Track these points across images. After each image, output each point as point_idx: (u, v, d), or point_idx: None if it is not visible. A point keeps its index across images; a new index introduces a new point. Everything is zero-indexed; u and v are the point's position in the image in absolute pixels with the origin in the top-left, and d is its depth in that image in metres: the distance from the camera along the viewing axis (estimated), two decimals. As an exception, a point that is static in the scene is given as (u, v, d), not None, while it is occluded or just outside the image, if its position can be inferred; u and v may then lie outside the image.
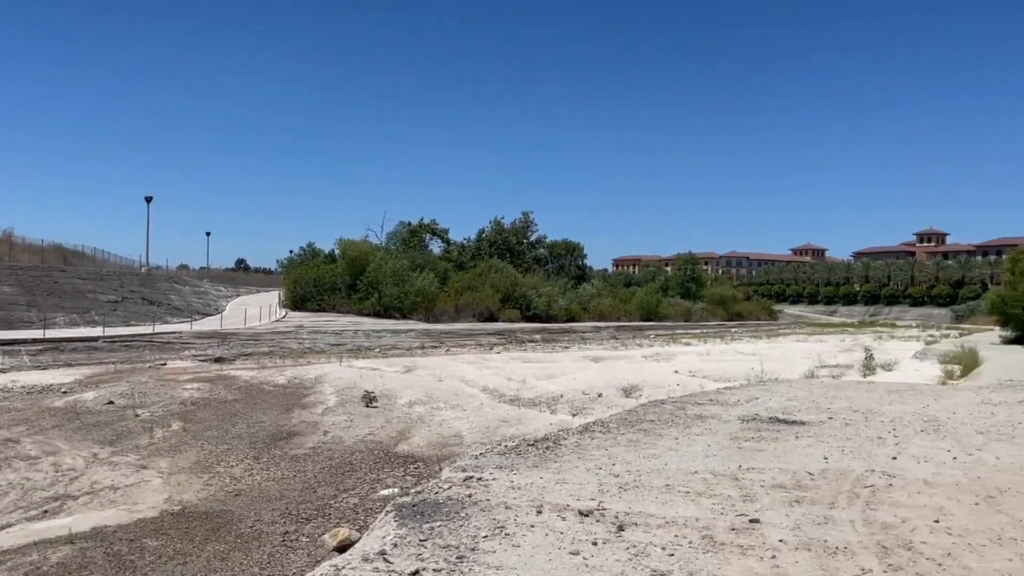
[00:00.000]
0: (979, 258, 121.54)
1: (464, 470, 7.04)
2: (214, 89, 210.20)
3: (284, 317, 46.66)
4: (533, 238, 77.81)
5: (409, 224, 72.24)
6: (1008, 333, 40.24)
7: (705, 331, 60.13)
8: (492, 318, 53.73)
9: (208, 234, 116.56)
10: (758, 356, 30.87)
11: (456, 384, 21.32)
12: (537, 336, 46.88)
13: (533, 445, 8.24)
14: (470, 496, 6.02)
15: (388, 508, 5.88)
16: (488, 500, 5.89)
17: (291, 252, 70.82)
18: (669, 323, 67.52)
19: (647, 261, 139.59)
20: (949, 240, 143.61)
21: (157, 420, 15.52)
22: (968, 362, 23.16)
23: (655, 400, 13.41)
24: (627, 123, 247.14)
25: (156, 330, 34.07)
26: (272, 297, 57.69)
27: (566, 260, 79.93)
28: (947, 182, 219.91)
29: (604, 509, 5.57)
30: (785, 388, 14.65)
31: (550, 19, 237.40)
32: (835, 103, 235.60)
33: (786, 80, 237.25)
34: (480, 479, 6.62)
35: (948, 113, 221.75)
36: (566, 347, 40.31)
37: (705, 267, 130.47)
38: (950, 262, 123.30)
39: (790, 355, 34.09)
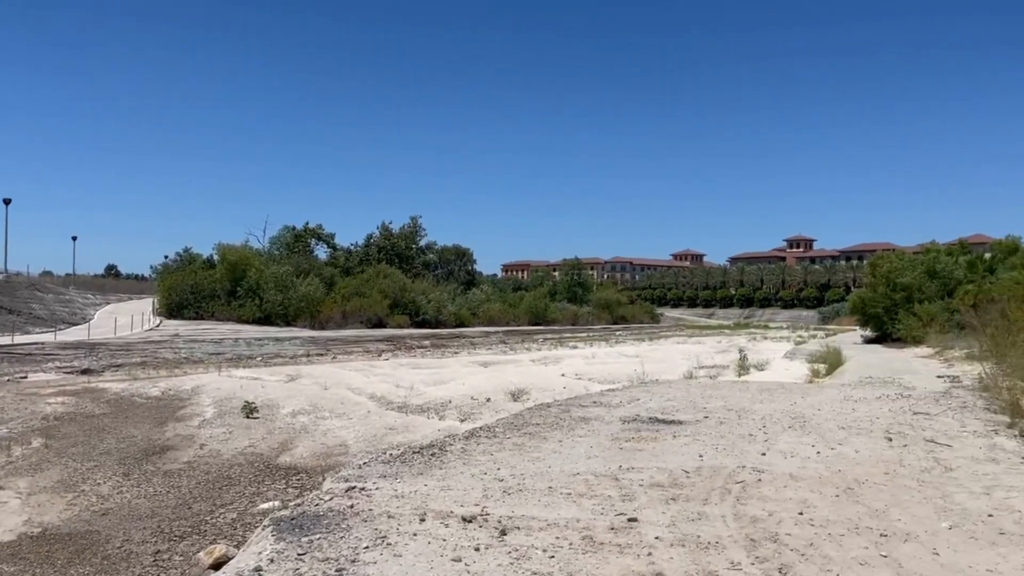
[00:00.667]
0: (843, 262, 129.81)
1: (347, 480, 6.90)
2: (81, 83, 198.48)
3: (159, 326, 44.47)
4: (422, 243, 77.40)
5: (293, 228, 70.41)
6: (869, 333, 43.12)
7: (591, 334, 61.47)
8: (381, 324, 53.04)
9: (74, 238, 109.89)
10: (640, 358, 31.79)
11: (342, 392, 20.89)
12: (427, 342, 46.60)
13: (418, 452, 8.17)
14: (352, 507, 5.90)
15: (265, 522, 5.69)
16: (370, 510, 5.79)
17: (166, 257, 67.73)
18: (557, 327, 68.67)
19: (536, 266, 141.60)
20: (816, 246, 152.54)
21: (15, 437, 14.44)
22: (833, 361, 24.66)
23: (541, 404, 13.57)
24: (516, 128, 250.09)
25: (15, 341, 31.75)
26: (145, 305, 54.84)
27: (456, 265, 79.97)
28: (814, 191, 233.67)
29: (487, 514, 5.59)
30: (665, 389, 15.14)
31: (434, 17, 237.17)
32: (709, 115, 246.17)
33: (667, 91, 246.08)
34: (363, 489, 6.50)
35: (814, 125, 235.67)
36: (456, 352, 40.27)
37: (591, 272, 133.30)
38: (817, 266, 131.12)
39: (670, 357, 35.31)
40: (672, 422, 10.16)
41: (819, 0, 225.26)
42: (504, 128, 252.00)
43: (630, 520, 5.41)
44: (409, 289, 58.60)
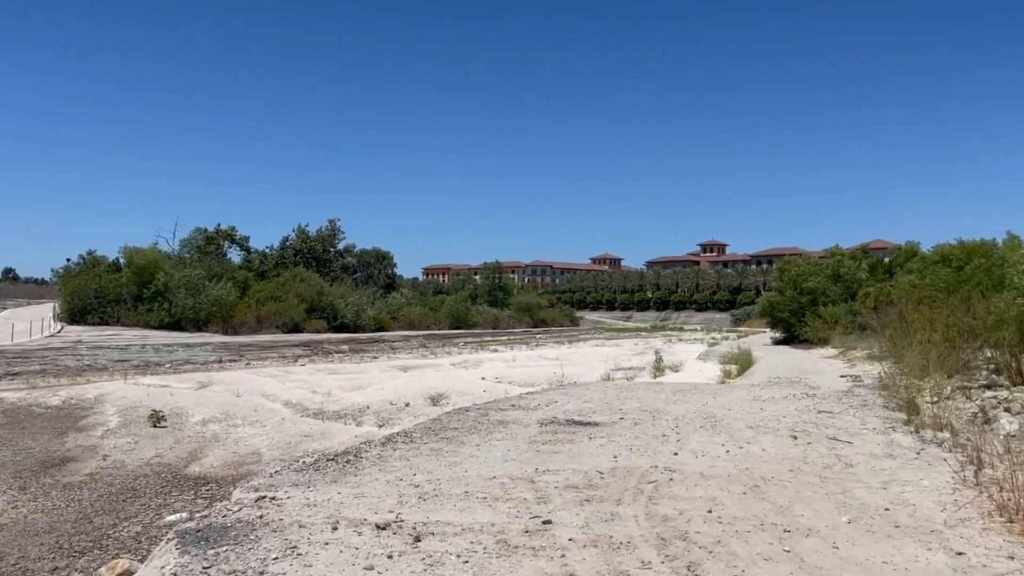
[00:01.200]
0: (754, 267, 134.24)
1: (257, 490, 6.71)
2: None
3: (60, 331, 42.36)
4: (341, 246, 76.23)
5: (205, 231, 68.19)
6: (778, 334, 44.65)
7: (512, 338, 61.76)
8: (297, 329, 51.91)
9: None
10: (560, 361, 32.12)
11: (256, 399, 20.35)
12: (345, 346, 45.89)
13: (333, 460, 8.02)
14: (261, 517, 5.74)
15: (170, 535, 5.47)
16: (281, 520, 5.65)
17: (68, 260, 64.32)
18: (478, 330, 68.68)
19: (457, 269, 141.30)
20: (729, 250, 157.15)
21: None
22: (744, 362, 25.42)
23: (460, 408, 13.53)
24: (436, 130, 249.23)
25: (-102, 349, 29.71)
26: (46, 310, 52.16)
27: (375, 269, 79.04)
28: (727, 197, 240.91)
29: (402, 521, 5.52)
30: (583, 391, 15.32)
31: (342, 11, 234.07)
32: (625, 121, 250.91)
33: (582, 96, 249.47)
34: (274, 498, 6.34)
35: (726, 134, 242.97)
36: (375, 357, 39.81)
37: (512, 275, 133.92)
38: (729, 270, 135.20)
39: (589, 359, 35.78)
40: (588, 424, 10.28)
41: (720, 5, 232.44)
42: (423, 130, 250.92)
43: (545, 522, 5.44)
44: (327, 293, 57.58)
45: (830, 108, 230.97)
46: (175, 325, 46.97)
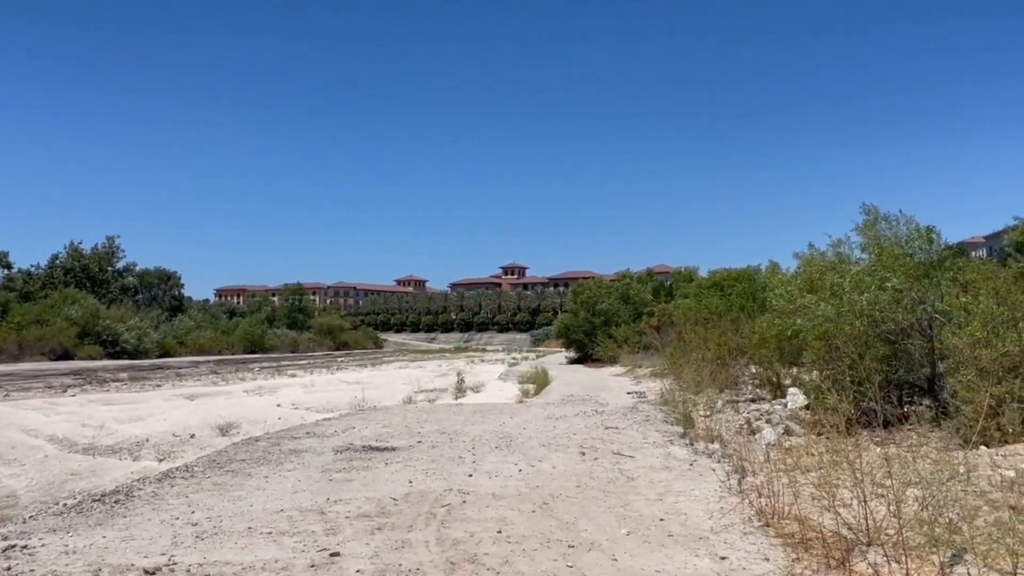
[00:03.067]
0: (552, 289, 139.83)
1: (5, 539, 5.98)
2: None
3: None
4: (120, 266, 70.23)
5: (-47, 247, 60.37)
6: (572, 354, 46.71)
7: (312, 361, 59.79)
8: (68, 356, 47.11)
9: None
10: (361, 384, 31.51)
11: (14, 435, 18.13)
12: (124, 374, 42.18)
13: (99, 500, 7.33)
14: (9, 569, 5.11)
15: None
16: (32, 571, 5.06)
17: None
18: (276, 355, 65.85)
19: (253, 291, 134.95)
20: (529, 273, 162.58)
21: None
22: (540, 381, 26.30)
23: (250, 437, 12.87)
24: (231, 149, 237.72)
25: None
26: None
27: (160, 290, 73.65)
28: (527, 221, 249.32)
29: (175, 564, 5.12)
30: (382, 415, 15.13)
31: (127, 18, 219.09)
32: (427, 145, 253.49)
33: (388, 121, 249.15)
34: (25, 547, 5.67)
35: (526, 160, 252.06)
36: (158, 385, 36.89)
37: (313, 297, 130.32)
38: (529, 292, 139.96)
39: (392, 382, 35.41)
40: (386, 449, 10.14)
41: (523, 33, 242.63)
42: (218, 148, 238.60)
43: (332, 555, 5.27)
44: (104, 316, 52.80)
45: (618, 141, 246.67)
46: (-86, 354, 41.09)
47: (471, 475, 8.18)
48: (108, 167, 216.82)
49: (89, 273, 65.30)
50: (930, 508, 4.58)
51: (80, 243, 67.94)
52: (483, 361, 57.94)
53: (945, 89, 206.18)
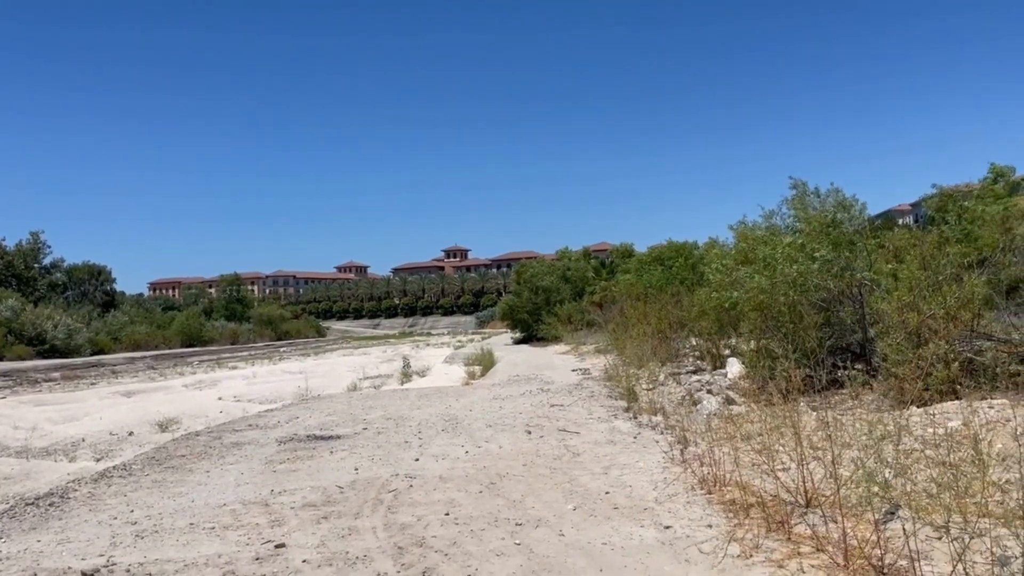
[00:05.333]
0: (495, 270, 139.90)
1: (-68, 549, 5.73)
2: None
3: None
4: (47, 262, 67.66)
5: None
6: (517, 334, 46.86)
7: (253, 353, 58.74)
8: (-5, 357, 45.32)
9: None
10: (305, 374, 31.10)
11: (-61, 442, 17.42)
12: (56, 374, 40.78)
13: (33, 504, 7.07)
14: (-65, 582, 4.90)
15: None
16: (-38, 582, 4.86)
17: None
18: (215, 347, 64.47)
19: (188, 283, 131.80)
20: (471, 255, 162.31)
21: None
22: (486, 363, 26.32)
23: (191, 432, 12.59)
24: (156, 136, 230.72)
25: None
26: None
27: (90, 286, 71.23)
28: (467, 205, 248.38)
29: (114, 565, 4.99)
30: (327, 404, 14.95)
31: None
32: (363, 129, 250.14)
33: (317, 105, 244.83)
34: (-46, 557, 5.44)
35: (464, 143, 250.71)
36: (93, 383, 35.81)
37: (251, 287, 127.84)
38: (472, 274, 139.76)
39: (336, 370, 35.03)
40: (331, 437, 10.03)
41: (457, 17, 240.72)
42: (147, 139, 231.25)
43: (277, 547, 5.19)
44: (31, 314, 50.87)
45: (555, 120, 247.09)
46: None
47: (418, 459, 8.16)
48: (28, 163, 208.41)
49: (14, 271, 62.74)
50: (864, 468, 4.73)
51: (3, 240, 65.21)
52: (428, 345, 57.78)
53: (876, 63, 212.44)
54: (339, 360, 44.75)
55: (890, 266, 10.43)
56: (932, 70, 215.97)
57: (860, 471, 4.70)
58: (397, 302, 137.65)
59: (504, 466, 7.58)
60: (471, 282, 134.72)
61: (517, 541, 5.11)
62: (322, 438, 10.00)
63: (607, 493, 6.30)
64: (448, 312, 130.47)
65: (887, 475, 4.98)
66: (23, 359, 46.58)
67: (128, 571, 4.85)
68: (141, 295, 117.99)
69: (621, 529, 5.31)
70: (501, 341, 47.45)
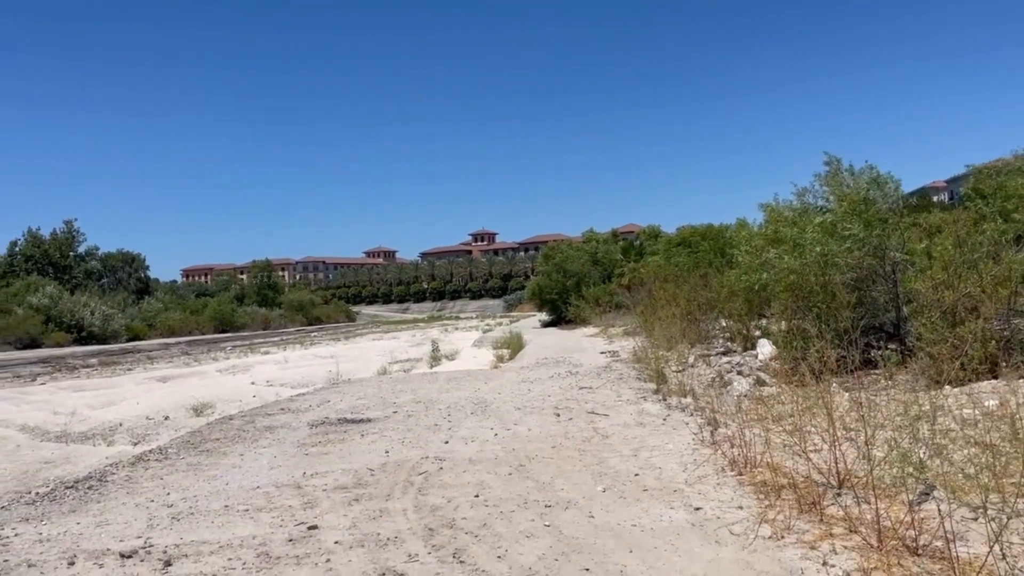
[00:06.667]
0: (522, 253, 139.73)
1: (-23, 531, 5.89)
2: None
3: None
4: (81, 250, 68.92)
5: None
6: (546, 317, 46.84)
7: (285, 338, 59.31)
8: (35, 344, 46.30)
9: None
10: (335, 358, 31.38)
11: (-17, 427, 17.87)
12: (93, 360, 41.54)
13: (73, 487, 7.24)
14: (-19, 561, 5.04)
15: None
16: (7, 561, 4.98)
17: None
18: (247, 333, 65.29)
19: (220, 270, 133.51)
20: (498, 239, 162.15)
21: None
22: (515, 346, 26.35)
23: (225, 416, 12.79)
24: (187, 125, 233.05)
25: None
26: None
27: (124, 273, 72.47)
28: (494, 188, 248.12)
29: (151, 546, 5.08)
30: (357, 387, 15.08)
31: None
32: (391, 115, 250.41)
33: (345, 93, 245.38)
34: (-3, 538, 5.59)
35: (489, 126, 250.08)
36: (129, 369, 36.37)
37: (282, 273, 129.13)
38: (500, 258, 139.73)
39: (366, 354, 35.28)
40: (361, 420, 10.12)
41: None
42: (178, 128, 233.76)
43: (310, 528, 5.26)
44: (68, 302, 51.87)
45: (582, 101, 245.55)
46: None
47: (447, 442, 8.20)
48: (62, 154, 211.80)
49: (51, 259, 64.02)
50: (899, 448, 4.67)
51: (38, 229, 66.50)
52: (457, 329, 57.90)
53: (911, 40, 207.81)
54: (369, 344, 45.07)
55: (924, 244, 10.23)
56: (970, 48, 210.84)
57: (894, 451, 4.63)
58: (425, 286, 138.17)
59: (533, 448, 7.60)
60: (499, 265, 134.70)
61: (547, 523, 5.13)
62: (353, 421, 10.10)
63: (636, 475, 6.29)
64: (476, 296, 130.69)
65: (922, 455, 4.91)
66: (61, 345, 47.59)
67: (165, 552, 4.94)
68: (174, 282, 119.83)
69: (651, 511, 5.30)
70: (529, 324, 47.46)
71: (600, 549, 4.60)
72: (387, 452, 7.82)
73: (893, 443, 4.80)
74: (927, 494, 4.84)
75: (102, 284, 67.26)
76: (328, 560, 4.58)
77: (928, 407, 5.66)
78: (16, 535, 5.62)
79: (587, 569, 4.29)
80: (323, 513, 5.64)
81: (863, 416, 5.14)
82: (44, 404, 22.29)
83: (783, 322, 12.11)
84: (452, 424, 9.34)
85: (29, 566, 4.83)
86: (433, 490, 6.14)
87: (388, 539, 4.93)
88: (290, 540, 5.03)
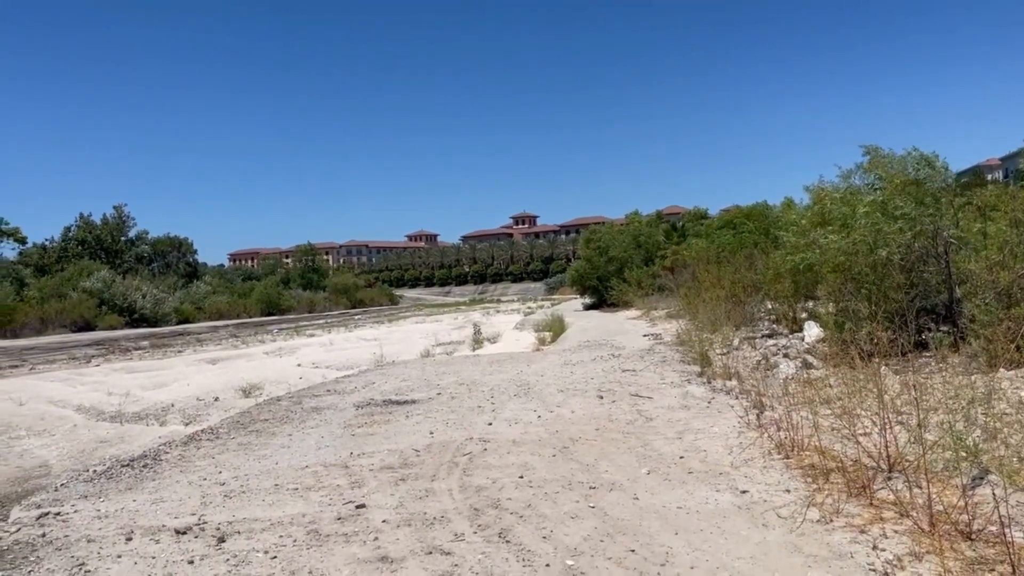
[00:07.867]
0: (563, 236, 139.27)
1: (39, 507, 6.12)
2: None
3: None
4: (132, 234, 70.53)
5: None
6: (587, 300, 46.67)
7: (329, 321, 60.15)
8: (90, 327, 47.65)
9: None
10: (379, 341, 31.70)
11: (42, 407, 18.44)
12: (145, 342, 42.63)
13: (128, 465, 7.47)
14: (44, 536, 5.23)
15: (-69, 571, 4.85)
16: (67, 536, 5.17)
17: None
18: (293, 316, 66.34)
19: (266, 254, 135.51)
20: (539, 222, 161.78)
21: None
22: (557, 329, 26.32)
23: (273, 397, 13.03)
24: (240, 111, 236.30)
25: None
26: None
27: (173, 257, 74.06)
28: (535, 171, 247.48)
29: (205, 523, 5.23)
30: (401, 369, 15.23)
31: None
32: (433, 99, 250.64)
33: (394, 76, 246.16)
34: (59, 514, 5.79)
35: (532, 110, 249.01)
36: (179, 351, 37.26)
37: (326, 257, 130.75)
38: (541, 241, 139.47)
39: (409, 337, 35.59)
40: (406, 402, 10.24)
41: None
42: (222, 113, 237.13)
43: (358, 507, 5.35)
44: (120, 286, 53.23)
45: (622, 84, 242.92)
46: (-62, 333, 41.70)
47: (491, 423, 8.25)
48: (111, 139, 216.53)
49: (103, 244, 65.66)
50: (952, 432, 4.57)
51: (90, 215, 68.21)
52: (498, 312, 58.02)
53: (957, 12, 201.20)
54: (412, 327, 45.43)
55: (978, 224, 9.94)
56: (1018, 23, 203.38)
57: (948, 435, 4.54)
58: (467, 269, 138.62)
59: (576, 430, 7.61)
60: (540, 248, 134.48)
61: (591, 504, 5.14)
62: (398, 403, 10.22)
63: (681, 458, 6.27)
64: (517, 279, 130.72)
65: (976, 439, 4.80)
66: (114, 328, 48.87)
67: (218, 529, 5.07)
68: (221, 266, 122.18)
69: (696, 493, 5.28)
70: (571, 307, 47.32)
71: (645, 531, 4.60)
72: (432, 433, 7.90)
73: (946, 426, 4.70)
74: (981, 478, 4.74)
75: (152, 268, 68.89)
76: (376, 538, 4.66)
77: (982, 390, 5.53)
78: (75, 512, 5.82)
79: (632, 550, 4.29)
80: (370, 492, 5.73)
81: (915, 399, 5.04)
82: (99, 385, 22.95)
83: (831, 304, 11.89)
84: (495, 406, 9.40)
85: (89, 541, 5.00)
86: (478, 471, 6.19)
87: (434, 518, 5.00)
88: (339, 518, 5.12)
